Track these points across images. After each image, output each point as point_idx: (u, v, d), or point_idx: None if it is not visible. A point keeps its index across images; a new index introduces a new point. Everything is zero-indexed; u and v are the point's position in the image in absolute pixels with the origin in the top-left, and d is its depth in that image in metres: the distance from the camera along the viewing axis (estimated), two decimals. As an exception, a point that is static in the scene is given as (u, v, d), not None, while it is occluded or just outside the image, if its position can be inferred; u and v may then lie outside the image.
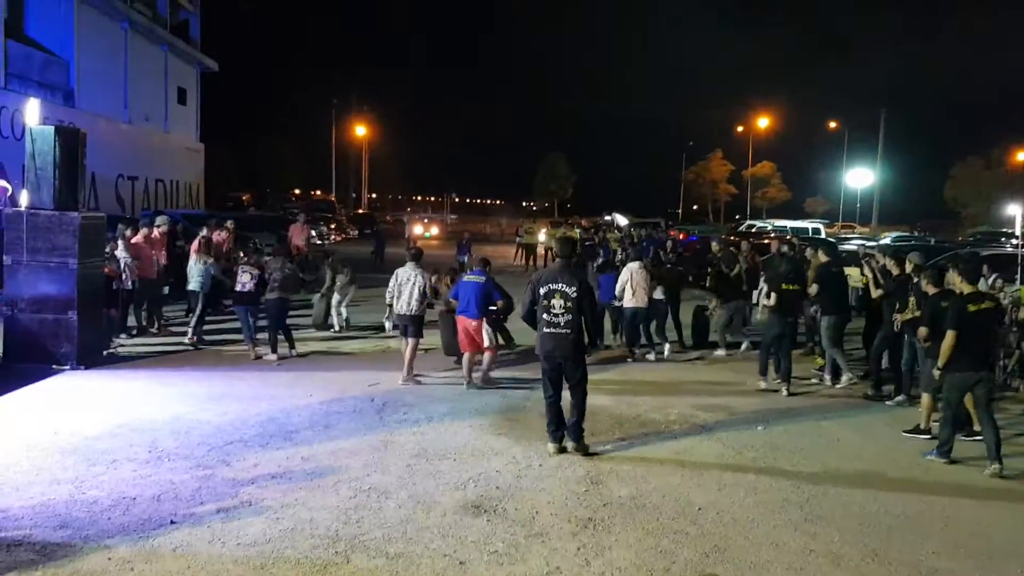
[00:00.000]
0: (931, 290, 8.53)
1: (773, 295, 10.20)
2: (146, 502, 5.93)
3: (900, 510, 6.43)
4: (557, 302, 7.31)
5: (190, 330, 12.34)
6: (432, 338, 11.71)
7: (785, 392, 10.07)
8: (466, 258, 20.41)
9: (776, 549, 5.57)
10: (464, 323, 10.09)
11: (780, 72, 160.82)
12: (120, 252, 12.08)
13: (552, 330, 7.34)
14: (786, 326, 10.26)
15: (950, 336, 7.55)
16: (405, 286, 10.25)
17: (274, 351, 11.45)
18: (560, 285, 7.33)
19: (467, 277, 10.59)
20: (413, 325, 10.20)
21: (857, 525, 6.08)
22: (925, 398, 8.56)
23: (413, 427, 8.16)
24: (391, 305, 10.52)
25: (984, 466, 7.48)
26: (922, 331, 8.34)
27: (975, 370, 7.57)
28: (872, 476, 7.25)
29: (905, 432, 8.63)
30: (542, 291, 7.37)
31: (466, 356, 10.13)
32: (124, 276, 11.99)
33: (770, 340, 10.28)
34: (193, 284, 12.59)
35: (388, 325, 11.92)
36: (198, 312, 12.39)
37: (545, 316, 7.35)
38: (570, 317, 7.30)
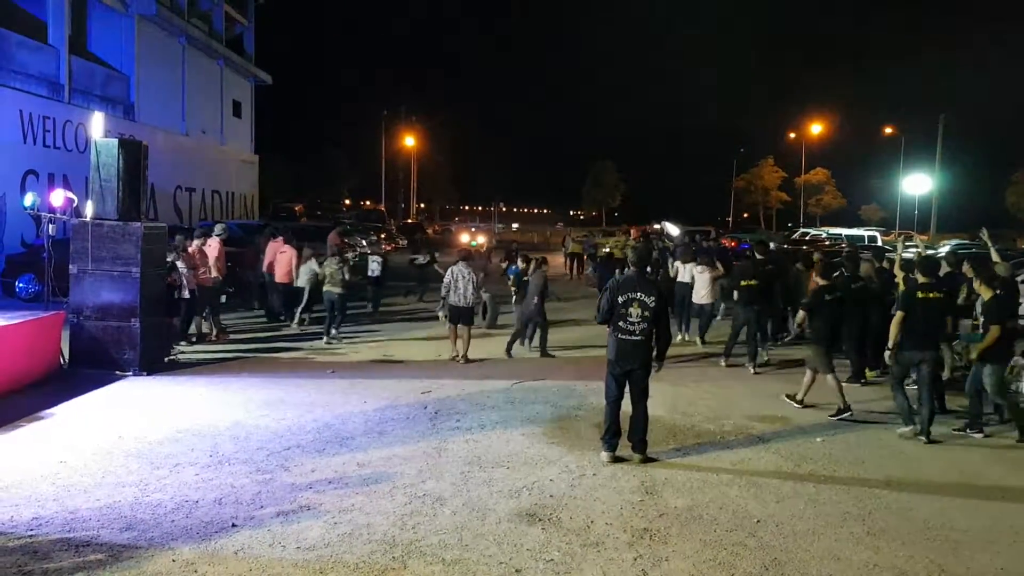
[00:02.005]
0: (820, 281, 9.82)
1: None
2: (208, 505, 6.05)
3: (966, 523, 6.27)
4: (635, 310, 7.36)
5: (296, 316, 15.04)
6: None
7: (752, 370, 11.93)
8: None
9: (838, 563, 5.47)
10: None
11: (835, 77, 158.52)
12: (179, 262, 12.35)
13: (627, 337, 7.41)
14: (752, 314, 12.13)
15: (898, 317, 8.61)
16: (459, 282, 12.00)
17: (327, 336, 13.50)
18: (639, 294, 7.40)
19: None
20: (467, 315, 12.10)
21: (922, 539, 5.94)
22: (808, 374, 9.66)
23: (466, 434, 8.19)
24: (445, 297, 12.19)
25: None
26: (800, 316, 9.68)
27: (920, 350, 8.54)
28: (936, 488, 7.09)
29: (786, 396, 9.89)
30: (621, 299, 7.41)
31: None
32: (182, 285, 12.25)
33: (739, 328, 12.35)
34: (300, 282, 14.94)
35: (441, 315, 12.73)
36: (304, 303, 14.97)
37: (621, 323, 7.41)
38: (645, 326, 7.39)
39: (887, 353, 8.77)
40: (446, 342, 12.64)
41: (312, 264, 14.82)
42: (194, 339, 12.97)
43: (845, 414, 9.25)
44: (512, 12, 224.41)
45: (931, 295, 8.63)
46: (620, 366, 7.47)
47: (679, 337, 14.10)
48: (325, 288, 13.76)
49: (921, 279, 8.85)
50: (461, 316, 12.10)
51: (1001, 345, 8.54)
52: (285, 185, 57.88)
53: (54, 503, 6.00)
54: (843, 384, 10.83)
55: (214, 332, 13.46)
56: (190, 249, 12.92)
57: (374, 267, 17.21)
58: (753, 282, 12.24)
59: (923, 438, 8.41)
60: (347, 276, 13.94)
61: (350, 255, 16.35)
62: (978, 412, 8.85)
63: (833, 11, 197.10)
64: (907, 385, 10.28)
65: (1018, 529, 6.22)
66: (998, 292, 8.76)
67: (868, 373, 11.47)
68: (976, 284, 9.06)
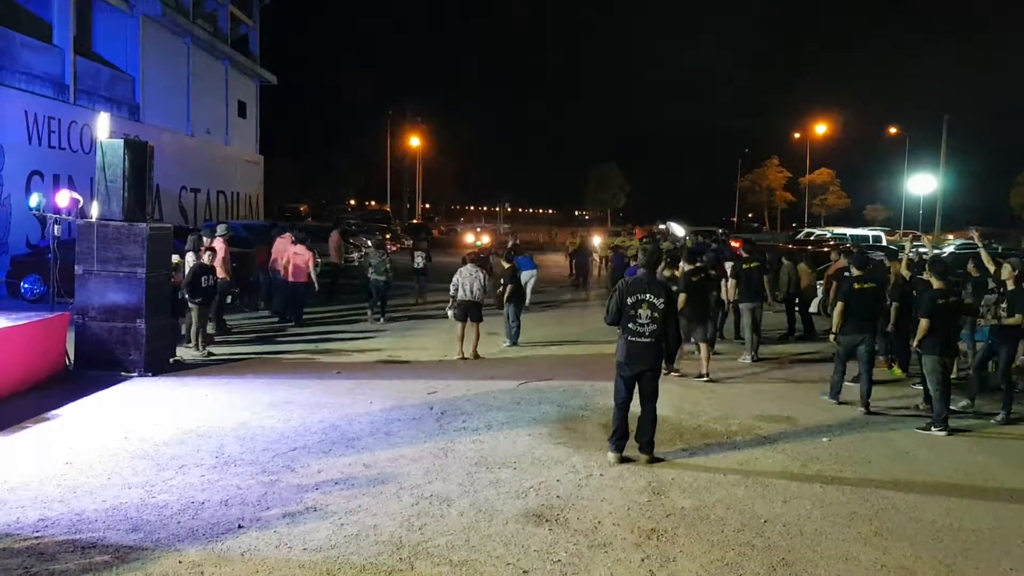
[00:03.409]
0: (686, 267, 11.43)
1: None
2: (214, 507, 6.04)
3: (974, 524, 6.25)
4: (644, 312, 7.31)
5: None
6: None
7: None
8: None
9: (846, 563, 5.45)
10: None
11: (839, 77, 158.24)
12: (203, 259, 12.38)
13: (637, 339, 7.36)
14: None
15: (839, 307, 9.77)
16: (467, 280, 12.54)
17: (382, 317, 16.16)
18: (648, 296, 7.35)
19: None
20: (476, 310, 12.62)
21: (929, 539, 5.92)
22: (704, 348, 11.30)
23: (472, 435, 8.17)
24: (454, 296, 12.67)
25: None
26: (682, 298, 10.72)
27: (859, 332, 9.71)
28: (943, 488, 7.05)
29: (702, 377, 11.13)
30: (630, 300, 7.36)
31: None
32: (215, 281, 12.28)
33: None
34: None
35: (450, 313, 13.13)
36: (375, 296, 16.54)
37: (631, 325, 7.36)
38: (655, 327, 7.33)
39: (831, 337, 10.07)
40: (452, 342, 12.65)
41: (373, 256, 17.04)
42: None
43: (703, 379, 11.09)
44: (516, 16, 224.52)
45: (865, 286, 9.81)
46: (630, 368, 7.43)
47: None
48: (372, 277, 16.18)
49: (856, 272, 10.02)
50: (470, 312, 12.53)
51: (933, 338, 8.87)
52: (290, 185, 57.93)
53: (60, 504, 6.00)
54: (849, 383, 10.96)
55: (219, 332, 13.48)
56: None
57: (419, 260, 19.79)
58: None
59: (862, 409, 9.58)
60: (390, 267, 16.43)
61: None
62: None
63: (839, 11, 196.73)
64: (916, 385, 10.36)
65: (1027, 530, 6.19)
66: (941, 287, 9.09)
67: (897, 371, 11.71)
68: (927, 273, 9.60)
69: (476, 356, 12.56)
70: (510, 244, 23.19)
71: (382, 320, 16.11)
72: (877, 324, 10.18)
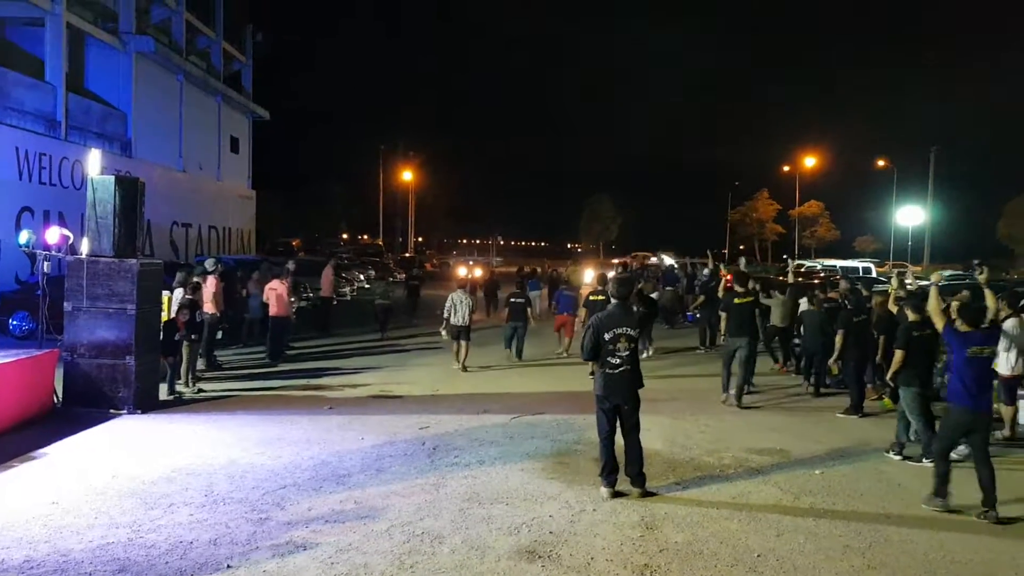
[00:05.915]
0: (589, 290, 13.55)
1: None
2: (203, 546, 5.97)
3: (967, 557, 6.22)
4: (622, 345, 7.38)
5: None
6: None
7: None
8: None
9: (840, 598, 5.41)
10: (562, 319, 16.85)
11: (828, 110, 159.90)
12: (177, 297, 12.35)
13: (615, 371, 7.40)
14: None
15: (724, 317, 12.37)
16: (459, 305, 14.65)
17: (383, 333, 18.87)
18: (625, 328, 7.42)
19: (566, 292, 17.36)
20: (466, 332, 14.68)
21: (923, 572, 5.89)
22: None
23: (464, 470, 8.12)
24: (447, 319, 14.72)
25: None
26: (582, 311, 14.01)
27: (738, 336, 11.81)
28: (935, 520, 7.04)
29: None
30: (607, 336, 7.39)
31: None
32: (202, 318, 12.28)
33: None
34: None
35: (444, 334, 15.24)
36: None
37: (609, 359, 7.40)
38: (628, 355, 7.41)
39: (720, 337, 12.33)
40: (442, 377, 12.65)
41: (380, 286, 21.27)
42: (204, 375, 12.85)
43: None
44: (511, 49, 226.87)
45: (745, 300, 11.99)
46: (609, 400, 7.46)
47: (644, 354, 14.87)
48: (378, 302, 19.56)
49: (739, 289, 12.24)
50: (461, 333, 14.65)
51: (910, 371, 8.99)
52: (283, 219, 58.01)
53: (46, 545, 5.92)
54: (841, 415, 11.00)
55: (208, 368, 13.42)
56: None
57: (413, 283, 25.28)
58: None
59: (735, 402, 11.59)
60: (393, 293, 20.29)
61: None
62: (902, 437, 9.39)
63: (827, 45, 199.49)
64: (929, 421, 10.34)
65: (1019, 563, 6.17)
66: (920, 320, 9.13)
67: (887, 403, 11.73)
68: (906, 309, 9.63)
69: (464, 368, 14.53)
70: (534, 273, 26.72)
71: (382, 336, 18.72)
72: (755, 332, 12.19)
